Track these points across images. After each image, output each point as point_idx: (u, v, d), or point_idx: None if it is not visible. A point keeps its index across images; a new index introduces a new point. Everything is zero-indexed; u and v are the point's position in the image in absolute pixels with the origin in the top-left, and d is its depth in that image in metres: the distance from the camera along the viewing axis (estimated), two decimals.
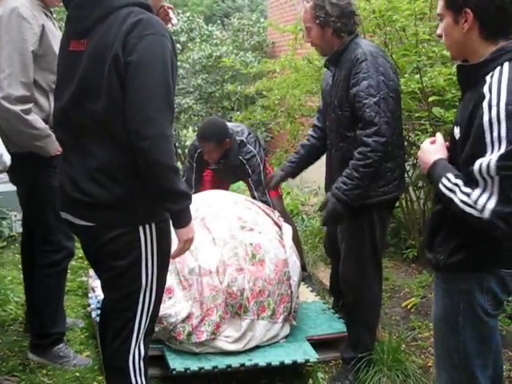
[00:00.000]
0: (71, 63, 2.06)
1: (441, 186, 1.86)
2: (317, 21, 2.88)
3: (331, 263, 3.72)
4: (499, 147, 1.70)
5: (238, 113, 5.57)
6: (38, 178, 2.99)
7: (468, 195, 1.77)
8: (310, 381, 3.09)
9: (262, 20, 10.33)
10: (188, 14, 10.94)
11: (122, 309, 2.16)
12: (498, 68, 1.79)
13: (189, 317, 2.95)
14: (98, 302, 3.47)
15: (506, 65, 1.79)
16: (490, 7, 1.81)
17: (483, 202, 1.74)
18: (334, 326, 3.40)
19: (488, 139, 1.72)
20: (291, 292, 3.17)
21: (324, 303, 3.72)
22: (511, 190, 1.72)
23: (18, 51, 2.80)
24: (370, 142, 2.71)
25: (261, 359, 3.01)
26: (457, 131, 1.92)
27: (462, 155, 1.83)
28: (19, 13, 2.80)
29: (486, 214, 1.73)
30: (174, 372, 2.87)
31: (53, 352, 3.18)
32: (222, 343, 3.03)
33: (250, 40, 9.57)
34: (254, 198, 4.03)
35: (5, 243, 5.03)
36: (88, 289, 3.93)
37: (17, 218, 5.02)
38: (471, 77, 1.88)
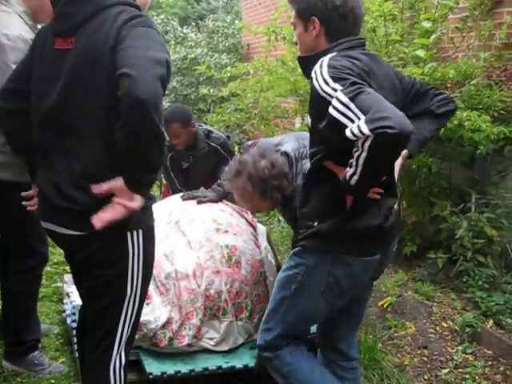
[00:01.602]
0: (57, 61, 2.00)
1: None
2: None
3: None
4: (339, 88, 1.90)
5: (213, 114, 5.56)
6: (6, 184, 2.94)
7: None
8: None
9: (236, 22, 10.34)
10: (162, 17, 10.92)
11: (105, 317, 2.13)
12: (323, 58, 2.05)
13: (168, 322, 2.92)
14: (74, 308, 3.43)
15: (328, 56, 2.05)
16: (334, 15, 2.12)
17: (357, 126, 1.81)
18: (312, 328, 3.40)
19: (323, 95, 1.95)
20: (267, 292, 3.17)
21: None
22: (365, 102, 1.83)
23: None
24: None
25: (238, 361, 2.99)
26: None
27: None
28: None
29: (365, 130, 1.77)
30: (151, 376, 2.84)
31: (27, 359, 3.14)
32: (206, 345, 3.02)
33: (224, 42, 9.56)
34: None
35: None
36: (63, 295, 3.88)
37: None
38: (306, 67, 2.18)
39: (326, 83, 1.93)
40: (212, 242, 3.10)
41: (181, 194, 3.58)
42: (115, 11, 1.94)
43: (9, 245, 3.11)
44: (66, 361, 3.27)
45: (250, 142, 3.23)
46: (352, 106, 1.83)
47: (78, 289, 2.34)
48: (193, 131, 4.18)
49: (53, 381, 3.05)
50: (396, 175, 2.29)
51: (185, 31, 10.60)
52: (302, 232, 2.22)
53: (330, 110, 1.89)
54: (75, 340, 3.06)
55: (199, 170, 4.30)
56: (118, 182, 1.86)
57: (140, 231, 2.05)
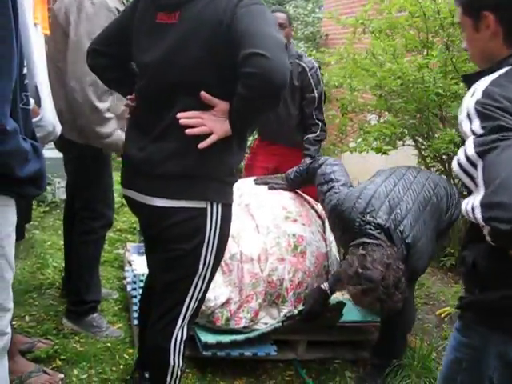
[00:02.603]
0: (158, 35, 2.04)
1: None
2: None
3: None
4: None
5: None
6: (86, 149, 3.02)
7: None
8: (338, 378, 3.07)
9: (316, 10, 10.22)
10: None
11: (174, 290, 2.16)
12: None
13: (227, 302, 2.95)
14: (134, 276, 3.51)
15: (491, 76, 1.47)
16: None
17: (471, 205, 1.35)
18: (367, 317, 3.36)
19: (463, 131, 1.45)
20: None
21: None
22: (494, 167, 1.33)
23: None
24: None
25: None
26: None
27: None
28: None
29: (478, 215, 1.32)
30: (205, 348, 2.87)
31: (86, 320, 3.23)
32: (260, 327, 3.03)
33: (303, 30, 9.49)
34: (309, 114, 4.03)
35: (47, 208, 5.12)
36: (124, 262, 3.97)
37: (60, 185, 5.11)
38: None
39: (469, 119, 1.41)
40: (280, 229, 3.09)
41: (254, 177, 3.57)
42: None
43: (76, 205, 3.21)
44: (122, 326, 3.33)
45: (320, 161, 3.13)
46: (479, 166, 1.35)
47: (149, 258, 2.38)
48: (291, 33, 4.15)
49: (109, 344, 3.12)
50: None
51: None
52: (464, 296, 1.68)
53: (453, 163, 1.44)
54: (134, 307, 3.15)
55: None
56: (224, 103, 1.92)
57: (219, 205, 2.06)
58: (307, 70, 4.04)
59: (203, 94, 1.91)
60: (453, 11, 3.61)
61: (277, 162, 4.22)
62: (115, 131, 2.92)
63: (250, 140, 4.91)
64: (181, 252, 2.08)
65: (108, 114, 2.88)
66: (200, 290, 2.16)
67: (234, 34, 1.85)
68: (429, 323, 3.64)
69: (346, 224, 2.77)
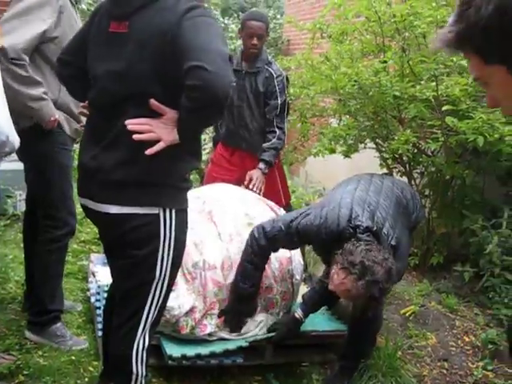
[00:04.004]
0: (111, 44, 2.06)
1: None
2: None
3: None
4: None
5: None
6: (45, 154, 3.04)
7: None
8: (304, 381, 3.09)
9: (278, 17, 10.29)
10: (206, 5, 10.90)
11: (133, 298, 2.16)
12: None
13: (192, 310, 2.94)
14: (98, 287, 3.48)
15: None
16: None
17: None
18: (332, 325, 3.39)
19: None
20: (293, 290, 3.17)
21: None
22: None
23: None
24: None
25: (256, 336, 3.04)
26: None
27: None
28: None
29: None
30: (171, 360, 2.86)
31: (50, 331, 3.19)
32: (227, 334, 3.04)
33: None
34: (270, 121, 4.01)
35: (8, 221, 5.03)
36: (88, 273, 3.92)
37: (22, 197, 5.02)
38: None
39: None
40: (242, 235, 3.10)
41: (216, 184, 3.56)
42: (172, 0, 1.97)
43: (38, 214, 3.19)
44: (87, 339, 3.29)
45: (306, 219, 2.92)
46: None
47: (110, 267, 2.37)
48: (266, 40, 4.14)
49: (73, 357, 3.08)
50: None
51: (226, 22, 10.59)
52: None
53: None
54: (98, 319, 3.12)
55: (245, 92, 4.12)
56: (172, 112, 1.95)
57: (173, 211, 2.08)
58: (274, 76, 4.05)
59: (152, 101, 1.93)
60: (406, 15, 3.68)
61: (238, 170, 4.22)
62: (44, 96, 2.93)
63: (210, 148, 4.90)
64: (136, 259, 2.09)
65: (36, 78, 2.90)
66: (159, 297, 2.16)
67: (178, 46, 1.87)
68: (394, 322, 3.69)
69: (337, 237, 2.77)
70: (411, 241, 3.30)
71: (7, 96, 2.48)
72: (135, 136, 1.93)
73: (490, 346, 3.43)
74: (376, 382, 3.04)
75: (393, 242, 2.81)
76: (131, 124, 1.94)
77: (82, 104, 2.40)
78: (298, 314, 3.05)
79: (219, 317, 3.03)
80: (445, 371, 3.31)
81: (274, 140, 4.01)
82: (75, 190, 3.18)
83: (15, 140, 2.41)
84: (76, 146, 3.33)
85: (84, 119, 2.99)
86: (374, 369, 3.09)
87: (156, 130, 1.94)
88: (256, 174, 3.91)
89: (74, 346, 3.18)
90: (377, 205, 2.88)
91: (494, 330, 3.54)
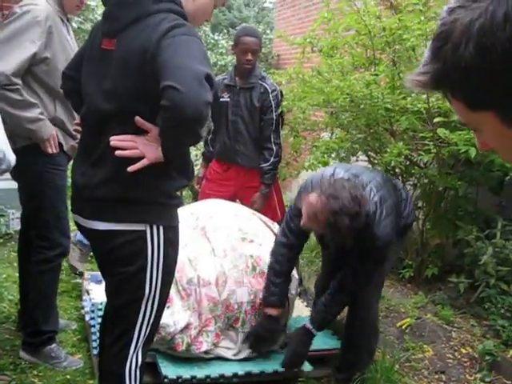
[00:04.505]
0: (101, 61, 2.07)
1: None
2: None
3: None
4: None
5: None
6: (39, 174, 3.04)
7: None
8: None
9: (268, 32, 10.35)
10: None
11: (124, 315, 2.15)
12: None
13: (187, 327, 2.92)
14: (93, 305, 3.46)
15: None
16: None
17: None
18: (328, 342, 3.38)
19: None
20: (288, 305, 3.16)
21: None
22: None
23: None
24: None
25: (254, 367, 2.99)
26: None
27: None
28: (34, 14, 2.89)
29: None
30: (166, 380, 2.84)
31: (44, 352, 3.16)
32: (223, 353, 3.02)
33: None
34: (266, 137, 4.05)
35: (1, 240, 5.00)
36: (82, 291, 3.90)
37: (15, 216, 5.01)
38: None
39: None
40: (237, 251, 3.09)
41: (210, 200, 3.56)
42: (158, 19, 1.96)
43: (31, 233, 3.18)
44: (82, 357, 3.27)
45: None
46: None
47: (105, 283, 2.36)
48: (257, 56, 4.16)
49: (68, 376, 3.06)
50: None
51: (216, 38, 10.66)
52: None
53: None
54: (93, 337, 3.09)
55: (239, 107, 4.14)
56: (156, 129, 1.92)
57: (161, 228, 2.06)
58: (269, 91, 4.08)
59: (137, 118, 1.93)
60: (395, 29, 3.70)
61: (233, 185, 4.22)
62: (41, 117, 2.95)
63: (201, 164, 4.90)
64: (125, 275, 2.08)
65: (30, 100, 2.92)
66: (150, 315, 2.14)
67: (156, 65, 1.86)
68: (390, 335, 3.68)
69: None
70: (400, 243, 3.27)
71: (3, 119, 2.49)
72: (118, 152, 1.92)
73: (487, 358, 3.42)
74: None
75: (375, 198, 2.79)
76: (115, 140, 1.94)
77: (75, 121, 2.40)
78: (308, 325, 2.98)
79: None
80: None
81: (272, 159, 4.05)
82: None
83: (11, 158, 2.41)
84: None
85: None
86: (371, 382, 3.07)
87: (140, 146, 1.94)
88: (260, 199, 4.08)
89: (69, 366, 3.15)
90: (360, 173, 2.93)
91: (490, 342, 3.53)
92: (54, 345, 3.20)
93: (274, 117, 4.08)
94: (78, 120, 2.80)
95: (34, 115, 2.93)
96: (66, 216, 3.20)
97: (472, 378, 3.35)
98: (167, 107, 1.77)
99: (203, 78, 1.81)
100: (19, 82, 2.87)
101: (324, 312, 2.97)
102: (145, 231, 2.04)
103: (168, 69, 1.82)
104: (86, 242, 3.81)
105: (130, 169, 1.92)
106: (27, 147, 2.94)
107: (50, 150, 2.98)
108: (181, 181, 2.14)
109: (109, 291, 2.26)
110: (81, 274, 3.73)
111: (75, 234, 4.05)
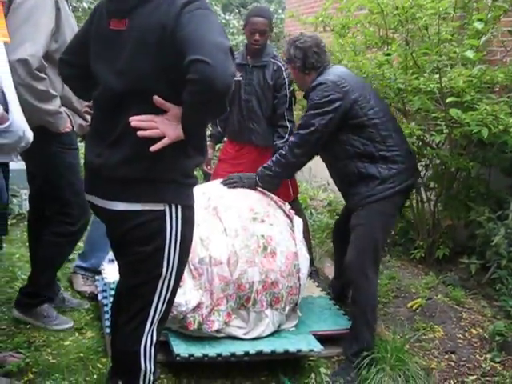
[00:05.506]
0: (112, 42, 2.06)
1: None
2: (290, 63, 3.37)
3: (335, 253, 3.88)
4: None
5: None
6: (53, 155, 3.07)
7: None
8: (313, 375, 3.09)
9: (279, 12, 10.27)
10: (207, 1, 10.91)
11: (140, 294, 2.17)
12: None
13: (199, 306, 2.95)
14: (105, 285, 3.49)
15: None
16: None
17: None
18: (339, 322, 3.41)
19: None
20: (299, 285, 3.17)
21: (329, 299, 3.72)
22: None
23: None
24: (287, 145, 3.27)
25: (265, 346, 3.02)
26: None
27: None
28: None
29: None
30: (178, 358, 2.87)
31: (36, 311, 3.28)
32: (235, 332, 3.05)
33: None
34: (281, 115, 4.06)
35: (14, 221, 5.05)
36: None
37: (27, 196, 5.03)
38: None
39: None
40: (248, 230, 3.10)
41: (221, 179, 3.56)
42: None
43: (49, 210, 3.24)
44: (95, 336, 3.31)
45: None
46: None
47: (118, 263, 2.37)
48: (270, 35, 4.17)
49: (81, 355, 3.10)
50: None
51: (227, 18, 10.59)
52: None
53: None
54: (105, 316, 3.13)
55: (253, 85, 4.12)
56: (176, 108, 1.93)
57: (179, 207, 2.08)
58: (283, 69, 4.06)
59: (156, 98, 1.93)
60: (408, 7, 3.67)
61: (245, 163, 4.22)
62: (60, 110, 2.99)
63: (218, 146, 4.90)
64: (143, 255, 2.09)
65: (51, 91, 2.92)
66: (166, 293, 2.17)
67: (177, 40, 1.86)
68: (401, 316, 3.68)
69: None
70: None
71: (25, 110, 2.48)
72: (139, 132, 1.92)
73: (497, 338, 3.42)
74: (384, 375, 3.04)
75: (331, 77, 3.19)
76: (135, 121, 1.94)
77: (86, 103, 2.40)
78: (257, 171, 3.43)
79: None
80: (453, 363, 3.31)
81: (286, 137, 4.03)
82: None
83: (30, 135, 2.43)
84: (81, 144, 3.35)
85: (89, 117, 3.02)
86: (381, 362, 3.08)
87: (160, 126, 1.94)
88: None
89: (60, 325, 3.24)
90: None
91: (501, 322, 3.53)
92: (45, 305, 3.31)
93: (288, 94, 4.07)
94: (87, 103, 2.81)
95: (55, 108, 2.94)
96: (83, 192, 3.24)
97: (482, 358, 3.35)
98: (196, 80, 1.78)
99: (228, 51, 1.83)
100: (47, 65, 2.87)
101: (269, 167, 3.33)
102: (164, 211, 2.06)
103: (192, 43, 1.82)
104: (85, 265, 3.82)
105: (153, 149, 1.92)
106: (39, 128, 2.94)
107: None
108: (197, 159, 2.15)
109: (124, 271, 2.27)
110: (92, 297, 3.72)
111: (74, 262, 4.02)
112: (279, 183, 3.39)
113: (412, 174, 3.31)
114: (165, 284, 2.15)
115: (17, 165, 3.68)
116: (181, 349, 2.91)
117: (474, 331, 3.59)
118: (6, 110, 2.26)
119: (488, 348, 3.43)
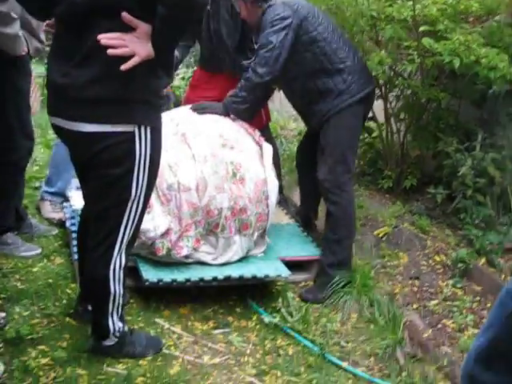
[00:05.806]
0: None
1: None
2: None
3: (299, 180, 4.02)
4: None
5: None
6: (3, 78, 2.96)
7: None
8: (280, 300, 3.16)
9: None
10: None
11: (108, 217, 2.16)
12: None
13: (167, 232, 2.96)
14: (73, 212, 3.46)
15: None
16: None
17: None
18: (307, 248, 3.46)
19: None
20: (268, 211, 3.19)
21: (298, 226, 3.77)
22: None
23: None
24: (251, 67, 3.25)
25: (233, 271, 3.06)
26: None
27: None
28: None
29: None
30: (147, 283, 2.90)
31: (1, 239, 3.27)
32: (203, 255, 3.07)
33: None
34: (249, 41, 3.89)
35: None
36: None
37: None
38: None
39: None
40: (217, 157, 3.08)
41: (189, 105, 3.50)
42: None
43: None
44: (64, 262, 3.32)
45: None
46: None
47: (83, 188, 2.35)
48: None
49: (50, 280, 3.10)
50: None
51: None
52: None
53: None
54: (73, 243, 3.12)
55: (221, 14, 3.92)
56: (145, 25, 1.90)
57: (148, 129, 2.05)
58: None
59: (124, 14, 1.87)
60: None
61: (216, 89, 4.13)
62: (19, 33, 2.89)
63: (189, 72, 4.80)
64: (111, 178, 2.07)
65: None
66: (135, 217, 2.16)
67: None
68: (367, 243, 3.75)
69: None
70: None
71: None
72: (110, 51, 1.86)
73: (460, 265, 3.52)
74: (350, 298, 3.14)
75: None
76: (104, 39, 1.88)
77: (46, 21, 2.30)
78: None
79: None
80: (416, 289, 3.41)
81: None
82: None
83: None
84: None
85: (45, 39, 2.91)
86: (349, 286, 3.19)
87: (130, 44, 1.88)
88: None
89: (27, 251, 3.24)
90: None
91: (464, 250, 3.62)
92: (8, 233, 3.30)
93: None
94: (48, 21, 2.69)
95: (14, 31, 2.84)
96: (29, 118, 3.22)
97: (444, 283, 3.46)
98: None
99: None
100: None
101: (235, 94, 3.31)
102: (133, 133, 2.02)
103: None
104: (51, 190, 3.79)
105: (123, 67, 1.87)
106: None
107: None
108: (165, 79, 2.12)
109: (91, 196, 2.26)
110: (59, 224, 3.70)
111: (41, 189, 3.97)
112: (249, 111, 3.34)
113: (368, 82, 3.40)
114: (133, 207, 2.14)
115: None
116: (150, 274, 2.93)
117: (437, 258, 3.69)
118: None
119: (450, 274, 3.54)
